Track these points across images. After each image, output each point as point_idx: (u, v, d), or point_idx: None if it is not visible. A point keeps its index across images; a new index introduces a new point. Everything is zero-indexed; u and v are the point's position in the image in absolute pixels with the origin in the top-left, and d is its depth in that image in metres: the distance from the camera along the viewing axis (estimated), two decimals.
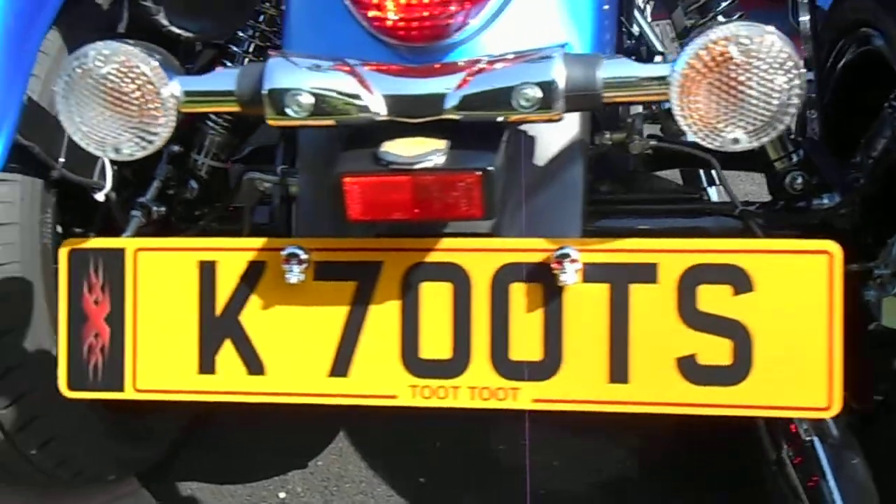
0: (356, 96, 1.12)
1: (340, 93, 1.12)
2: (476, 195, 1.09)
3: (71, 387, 1.28)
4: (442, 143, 1.10)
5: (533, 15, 1.24)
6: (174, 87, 1.15)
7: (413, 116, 1.12)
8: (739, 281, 1.15)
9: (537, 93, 1.08)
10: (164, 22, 1.54)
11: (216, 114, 1.85)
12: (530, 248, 1.19)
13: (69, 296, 1.27)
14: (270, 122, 1.14)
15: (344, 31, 1.23)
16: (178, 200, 1.81)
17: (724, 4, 1.61)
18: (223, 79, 1.18)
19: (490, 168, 1.09)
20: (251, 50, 1.82)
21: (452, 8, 1.12)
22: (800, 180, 1.68)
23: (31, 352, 1.58)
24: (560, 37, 1.23)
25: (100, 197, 1.67)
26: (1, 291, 1.55)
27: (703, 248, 1.16)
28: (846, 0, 1.79)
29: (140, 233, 1.58)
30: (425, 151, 1.10)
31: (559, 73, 1.08)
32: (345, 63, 1.15)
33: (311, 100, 1.12)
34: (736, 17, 1.57)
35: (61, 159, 1.57)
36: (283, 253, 1.21)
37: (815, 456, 1.40)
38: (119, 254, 1.27)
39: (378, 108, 1.13)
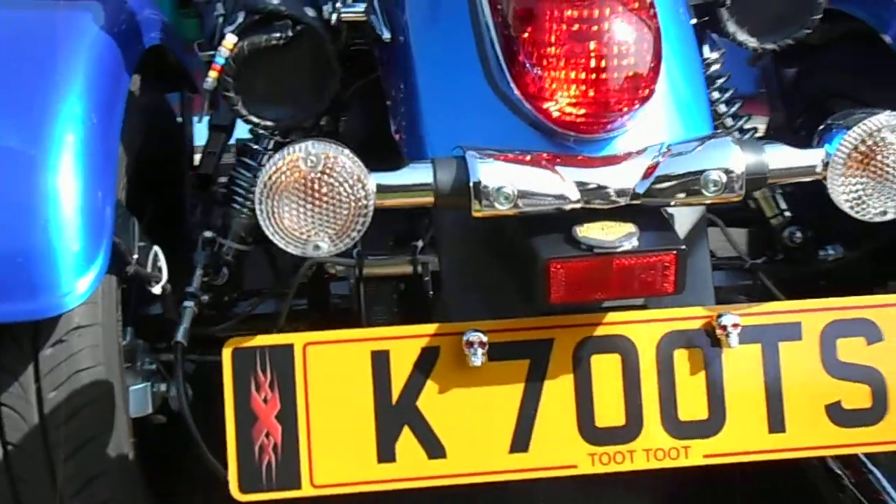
0: (555, 187, 1.20)
1: (541, 184, 1.20)
2: (671, 273, 1.20)
3: (243, 490, 1.25)
4: (632, 227, 1.20)
5: (665, 104, 1.36)
6: (371, 183, 1.18)
7: (605, 203, 1.21)
8: (871, 332, 1.31)
9: (722, 178, 1.20)
10: (244, 112, 1.54)
11: (243, 197, 1.84)
12: (689, 317, 1.30)
13: (236, 396, 1.25)
14: (476, 214, 1.19)
15: (500, 119, 1.30)
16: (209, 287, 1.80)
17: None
18: (416, 173, 1.22)
19: (683, 247, 1.19)
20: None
21: (625, 104, 1.22)
22: (798, 234, 1.89)
23: (113, 459, 1.52)
24: (687, 121, 1.36)
25: (157, 290, 1.63)
26: (87, 397, 1.48)
27: (839, 305, 1.32)
28: (815, 72, 2.03)
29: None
30: (622, 235, 1.19)
31: (738, 159, 1.21)
32: (537, 155, 1.22)
33: (515, 191, 1.18)
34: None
35: (134, 255, 1.53)
36: (466, 338, 1.26)
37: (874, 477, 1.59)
38: (287, 350, 1.27)
39: (573, 196, 1.21)
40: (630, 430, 1.29)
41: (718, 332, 1.28)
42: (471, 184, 1.18)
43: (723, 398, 1.29)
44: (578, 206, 1.20)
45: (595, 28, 1.19)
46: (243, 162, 1.90)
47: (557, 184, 1.20)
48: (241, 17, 1.50)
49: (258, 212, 1.16)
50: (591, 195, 1.21)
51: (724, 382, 1.29)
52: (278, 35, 1.47)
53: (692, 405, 1.29)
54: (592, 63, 1.18)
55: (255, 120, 1.55)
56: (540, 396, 1.28)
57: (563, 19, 1.20)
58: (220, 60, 1.50)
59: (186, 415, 1.58)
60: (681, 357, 1.29)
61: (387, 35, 1.48)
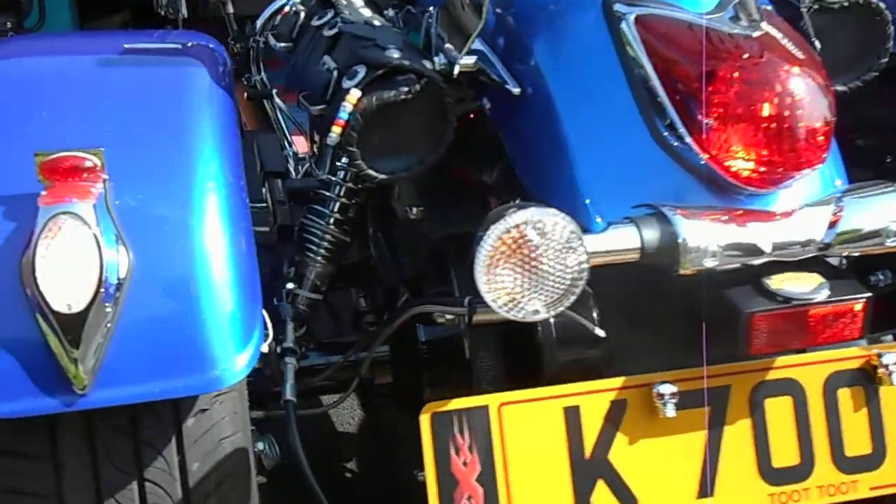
0: (750, 241, 1.25)
1: (738, 239, 1.24)
2: (860, 319, 1.26)
3: None
4: (820, 277, 1.26)
5: None
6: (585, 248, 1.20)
7: (795, 255, 1.27)
8: None
9: None
10: (364, 166, 1.53)
11: (317, 245, 1.81)
12: (850, 357, 1.37)
13: (436, 461, 1.25)
14: (682, 271, 1.22)
15: (666, 173, 1.34)
16: None
17: None
18: (621, 234, 1.24)
19: (870, 294, 1.26)
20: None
21: (814, 162, 1.28)
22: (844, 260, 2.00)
23: None
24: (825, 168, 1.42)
25: (264, 348, 1.60)
26: (230, 467, 1.43)
27: None
28: None
29: None
30: (816, 286, 1.25)
31: None
32: (729, 211, 1.26)
33: (720, 248, 1.22)
34: None
35: None
36: (657, 389, 1.29)
37: None
38: (483, 412, 1.27)
39: (767, 249, 1.26)
40: (804, 468, 1.34)
41: (880, 370, 1.35)
42: (679, 242, 1.21)
43: (882, 432, 1.36)
44: (769, 259, 1.25)
45: (778, 87, 1.24)
46: (315, 209, 1.87)
47: (752, 238, 1.25)
48: (361, 72, 1.48)
49: (480, 280, 1.16)
50: (781, 248, 1.26)
51: (882, 417, 1.36)
52: (406, 89, 1.47)
53: (857, 441, 1.36)
54: (784, 123, 1.23)
55: (373, 174, 1.53)
56: (721, 442, 1.32)
57: (747, 78, 1.24)
58: (343, 116, 1.48)
59: (307, 472, 1.55)
60: (844, 396, 1.36)
61: (516, 89, 1.49)
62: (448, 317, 1.66)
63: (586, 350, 1.69)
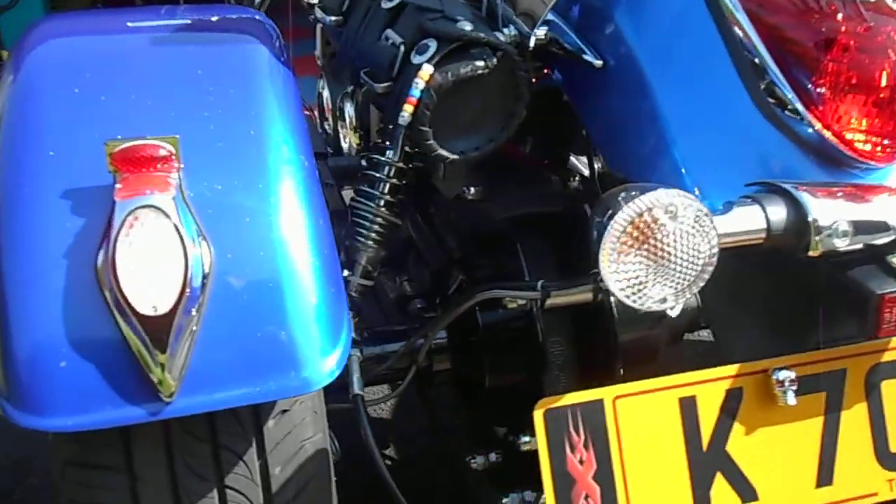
0: (876, 219, 1.18)
1: (866, 217, 1.17)
2: None
3: None
4: None
5: None
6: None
7: None
8: None
9: None
10: (435, 146, 1.45)
11: (368, 228, 1.72)
12: None
13: (552, 461, 1.18)
14: (812, 253, 1.16)
15: (775, 146, 1.27)
16: None
17: None
18: (746, 217, 1.17)
19: None
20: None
21: None
22: None
23: None
24: None
25: None
26: (312, 469, 1.36)
27: None
28: None
29: None
30: None
31: None
32: (853, 188, 1.20)
33: (850, 227, 1.16)
34: None
35: None
36: (776, 376, 1.22)
37: None
38: (598, 405, 1.20)
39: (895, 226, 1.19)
40: None
41: None
42: (809, 221, 1.14)
43: None
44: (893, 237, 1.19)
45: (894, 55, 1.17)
46: (364, 191, 1.77)
47: (880, 215, 1.18)
48: (433, 46, 1.39)
49: (607, 269, 1.08)
50: None
51: None
52: (482, 64, 1.38)
53: None
54: None
55: (444, 154, 1.44)
56: (838, 427, 1.27)
57: (863, 45, 1.17)
58: (415, 93, 1.39)
59: (383, 469, 1.48)
60: None
61: (598, 61, 1.41)
62: (520, 302, 1.59)
63: (652, 328, 1.64)
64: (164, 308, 1.12)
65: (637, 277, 1.08)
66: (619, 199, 1.08)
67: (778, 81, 1.25)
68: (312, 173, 1.31)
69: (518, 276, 1.60)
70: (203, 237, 1.16)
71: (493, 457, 1.70)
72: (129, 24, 1.48)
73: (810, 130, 1.24)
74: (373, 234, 1.71)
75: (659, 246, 1.06)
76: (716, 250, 1.09)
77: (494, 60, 1.38)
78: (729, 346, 1.35)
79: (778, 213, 1.16)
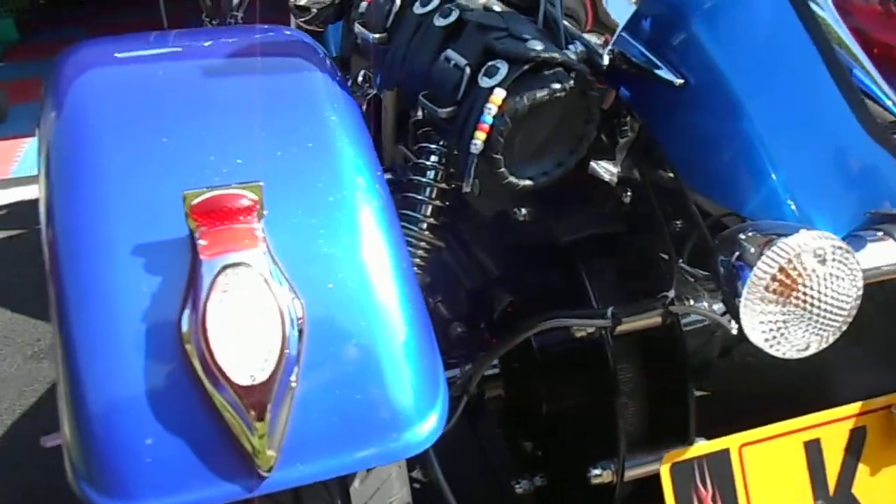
0: None
1: None
2: None
3: None
4: None
5: None
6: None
7: None
8: None
9: None
10: (506, 174, 1.36)
11: (412, 254, 1.63)
12: None
13: None
14: None
15: (884, 168, 1.21)
16: None
17: None
18: (883, 251, 1.10)
19: None
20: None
21: None
22: None
23: None
24: None
25: None
26: None
27: None
28: None
29: None
30: None
31: None
32: None
33: None
34: None
35: None
36: None
37: None
38: (724, 455, 1.13)
39: None
40: None
41: None
42: None
43: None
44: None
45: None
46: (407, 215, 1.67)
47: None
48: (503, 68, 1.30)
49: (750, 320, 1.00)
50: None
51: None
52: (558, 86, 1.29)
53: None
54: None
55: (515, 181, 1.35)
56: None
57: None
58: (488, 119, 1.30)
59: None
60: None
61: (679, 80, 1.33)
62: (589, 330, 1.51)
63: (710, 346, 1.58)
64: (262, 376, 1.01)
65: (780, 327, 1.00)
66: (755, 242, 1.00)
67: (886, 97, 1.18)
68: (389, 204, 1.22)
69: (579, 299, 1.52)
70: (294, 294, 1.06)
71: (537, 481, 1.63)
72: (175, 50, 1.36)
73: None
74: (417, 260, 1.62)
75: (807, 293, 0.99)
76: (861, 291, 1.02)
77: (571, 82, 1.29)
78: (841, 383, 1.29)
79: None
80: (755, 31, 1.28)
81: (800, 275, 0.97)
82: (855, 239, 1.11)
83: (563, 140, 1.36)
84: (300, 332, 1.05)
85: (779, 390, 1.63)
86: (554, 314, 1.47)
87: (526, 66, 1.28)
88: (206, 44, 1.39)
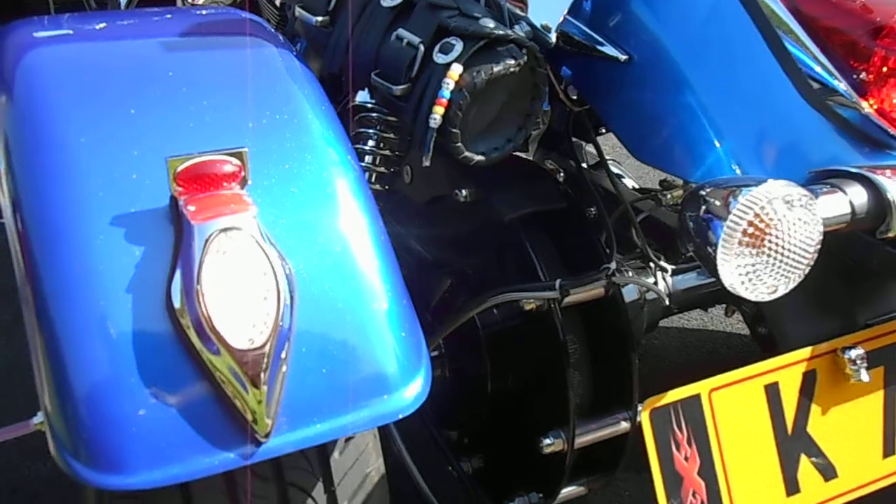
0: None
1: None
2: None
3: None
4: None
5: None
6: None
7: None
8: None
9: None
10: (462, 148, 1.40)
11: None
12: None
13: (660, 461, 1.16)
14: (891, 234, 1.19)
15: (824, 133, 1.30)
16: None
17: None
18: (834, 203, 1.18)
19: None
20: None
21: None
22: None
23: None
24: None
25: None
26: (378, 500, 1.28)
27: None
28: None
29: None
30: None
31: None
32: None
33: None
34: None
35: None
36: (847, 355, 1.26)
37: None
38: (696, 400, 1.19)
39: None
40: None
41: None
42: (891, 203, 1.17)
43: None
44: None
45: None
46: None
47: None
48: (458, 45, 1.34)
49: (726, 267, 1.07)
50: None
51: None
52: (513, 62, 1.34)
53: None
54: None
55: (470, 156, 1.40)
56: None
57: None
58: (445, 94, 1.34)
59: (420, 480, 1.42)
60: None
61: (623, 56, 1.40)
62: (537, 303, 1.56)
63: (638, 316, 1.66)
64: (260, 340, 1.01)
65: (753, 271, 1.07)
66: (724, 194, 1.07)
67: (823, 69, 1.28)
68: (361, 174, 1.23)
69: (525, 274, 1.57)
70: (282, 258, 1.06)
71: (475, 462, 1.68)
72: (121, 27, 1.34)
73: (860, 116, 1.27)
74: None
75: (777, 238, 1.06)
76: (822, 237, 1.10)
77: (525, 59, 1.34)
78: (782, 335, 1.38)
79: (859, 197, 1.18)
80: (694, 6, 1.36)
81: (771, 220, 1.04)
82: (810, 191, 1.20)
83: (513, 117, 1.40)
84: (291, 296, 1.05)
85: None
86: (502, 289, 1.51)
87: (481, 43, 1.32)
88: (155, 20, 1.37)
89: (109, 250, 1.03)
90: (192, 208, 1.02)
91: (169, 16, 1.41)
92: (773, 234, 1.05)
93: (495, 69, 1.30)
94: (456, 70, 1.31)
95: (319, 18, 1.54)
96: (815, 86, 1.27)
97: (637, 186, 2.17)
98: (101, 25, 1.35)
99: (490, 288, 1.54)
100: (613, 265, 1.50)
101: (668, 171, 1.38)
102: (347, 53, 1.50)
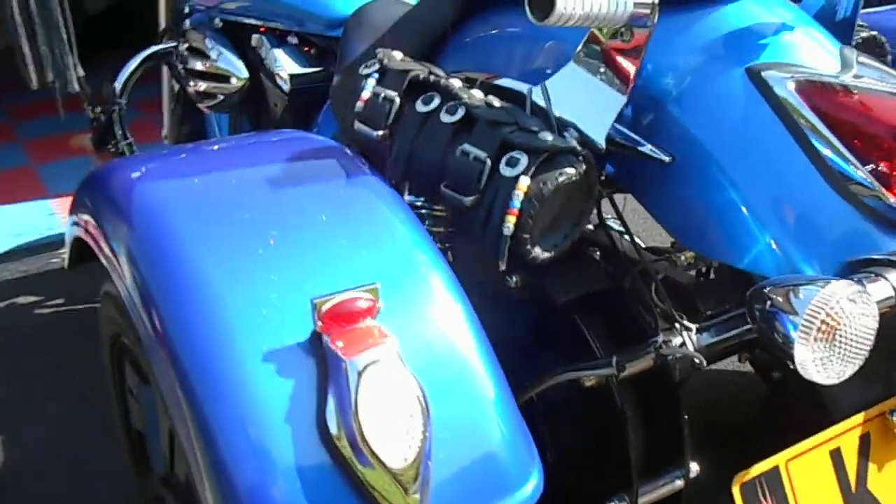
0: None
1: None
2: None
3: None
4: None
5: None
6: None
7: None
8: None
9: None
10: (532, 250, 1.54)
11: None
12: None
13: None
14: None
15: (852, 223, 1.47)
16: None
17: None
18: (880, 290, 1.35)
19: None
20: None
21: None
22: None
23: None
24: None
25: None
26: None
27: None
28: None
29: None
30: None
31: None
32: None
33: None
34: None
35: None
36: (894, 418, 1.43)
37: None
38: (776, 471, 1.35)
39: None
40: None
41: None
42: None
43: None
44: None
45: None
46: None
47: None
48: (523, 159, 1.48)
49: (806, 359, 1.23)
50: None
51: None
52: (573, 171, 1.48)
53: None
54: None
55: (538, 254, 1.54)
56: None
57: None
58: (516, 204, 1.48)
59: None
60: None
61: (666, 157, 1.55)
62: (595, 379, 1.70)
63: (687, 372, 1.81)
64: (412, 456, 1.14)
65: (826, 360, 1.24)
66: (785, 292, 1.23)
67: (846, 161, 1.44)
68: (457, 281, 1.37)
69: (581, 352, 1.71)
70: (416, 379, 1.20)
71: None
72: (215, 159, 1.47)
73: (882, 203, 1.44)
74: None
75: (845, 332, 1.23)
76: (877, 324, 1.27)
77: (584, 167, 1.48)
78: (835, 402, 1.54)
79: None
80: (728, 108, 1.52)
81: (840, 317, 1.20)
82: (858, 282, 1.37)
83: (571, 215, 1.55)
84: (428, 411, 1.18)
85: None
86: (563, 369, 1.65)
87: (544, 156, 1.47)
88: (240, 153, 1.50)
89: (264, 385, 1.16)
90: (340, 344, 1.14)
91: (254, 144, 1.53)
92: (842, 329, 1.22)
93: (560, 179, 1.45)
94: (524, 182, 1.45)
95: (380, 133, 1.67)
96: (842, 178, 1.44)
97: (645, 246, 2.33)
98: (195, 158, 1.47)
99: (545, 367, 1.68)
100: (660, 339, 1.64)
101: (715, 259, 1.54)
102: (407, 163, 1.63)
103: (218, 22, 2.84)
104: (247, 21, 2.69)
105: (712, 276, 2.05)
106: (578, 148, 1.48)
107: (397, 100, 1.65)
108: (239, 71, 2.63)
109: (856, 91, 1.46)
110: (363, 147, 1.73)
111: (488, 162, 1.49)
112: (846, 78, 1.49)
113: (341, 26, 2.44)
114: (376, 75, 1.71)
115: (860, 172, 1.43)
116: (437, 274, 1.32)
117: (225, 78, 2.64)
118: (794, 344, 1.21)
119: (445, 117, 1.58)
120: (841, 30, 1.71)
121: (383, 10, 2.44)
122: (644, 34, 1.46)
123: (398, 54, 1.74)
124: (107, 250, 1.38)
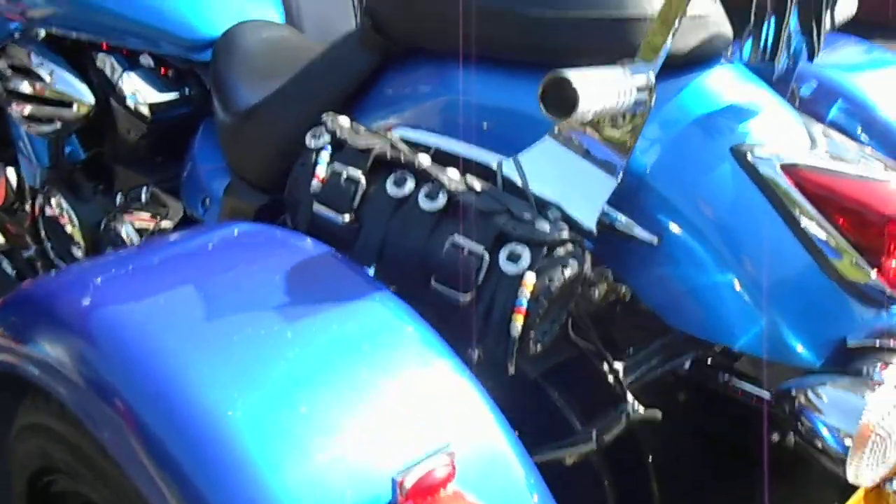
0: None
1: None
2: None
3: None
4: None
5: None
6: None
7: None
8: None
9: None
10: (535, 345, 1.49)
11: None
12: None
13: None
14: None
15: (847, 307, 1.51)
16: None
17: None
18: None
19: None
20: None
21: None
22: None
23: None
24: None
25: None
26: None
27: None
28: None
29: None
30: None
31: None
32: None
33: None
34: None
35: None
36: (891, 487, 1.51)
37: None
38: None
39: None
40: None
41: None
42: None
43: None
44: None
45: None
46: None
47: None
48: (526, 254, 1.40)
49: (861, 468, 1.26)
50: None
51: None
52: (577, 264, 1.43)
53: None
54: None
55: (539, 347, 1.48)
56: None
57: None
58: (523, 303, 1.41)
59: None
60: None
61: (653, 238, 1.52)
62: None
63: None
64: None
65: (866, 462, 1.28)
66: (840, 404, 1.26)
67: (832, 239, 1.46)
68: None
69: (559, 424, 1.67)
70: None
71: None
72: (188, 273, 1.31)
73: (868, 282, 1.48)
74: None
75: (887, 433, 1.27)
76: None
77: (585, 259, 1.43)
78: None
79: None
80: (716, 188, 1.51)
81: (893, 428, 1.24)
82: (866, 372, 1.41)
83: (564, 303, 1.48)
84: None
85: None
86: (543, 448, 1.61)
87: (545, 249, 1.39)
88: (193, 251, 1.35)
89: None
90: None
91: (212, 243, 1.37)
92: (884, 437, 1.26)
93: (566, 275, 1.38)
94: (530, 280, 1.36)
95: (346, 218, 1.51)
96: (829, 257, 1.47)
97: None
98: (161, 272, 1.31)
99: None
100: (630, 402, 1.63)
101: (710, 340, 1.54)
102: (381, 252, 1.50)
103: (41, 33, 2.49)
104: (81, 37, 2.38)
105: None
106: (576, 237, 1.42)
107: (363, 180, 1.51)
108: (82, 96, 2.32)
109: (837, 171, 1.49)
110: (320, 230, 1.56)
111: (486, 256, 1.39)
112: (824, 157, 1.51)
113: (205, 49, 2.20)
114: (328, 147, 1.55)
115: (846, 252, 1.46)
116: (500, 429, 1.24)
117: (65, 104, 2.33)
118: (848, 458, 1.24)
119: (426, 203, 1.45)
120: (777, 87, 1.73)
121: (255, 33, 2.23)
122: (640, 118, 1.42)
123: (345, 120, 1.58)
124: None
